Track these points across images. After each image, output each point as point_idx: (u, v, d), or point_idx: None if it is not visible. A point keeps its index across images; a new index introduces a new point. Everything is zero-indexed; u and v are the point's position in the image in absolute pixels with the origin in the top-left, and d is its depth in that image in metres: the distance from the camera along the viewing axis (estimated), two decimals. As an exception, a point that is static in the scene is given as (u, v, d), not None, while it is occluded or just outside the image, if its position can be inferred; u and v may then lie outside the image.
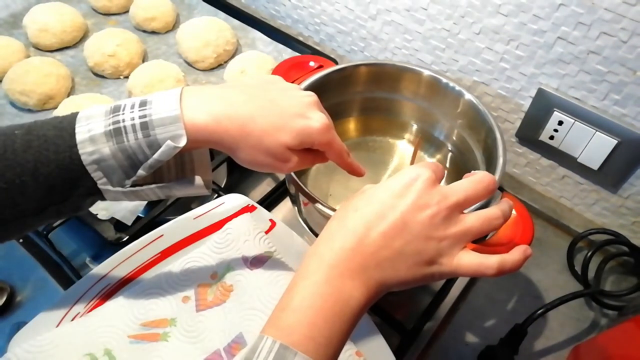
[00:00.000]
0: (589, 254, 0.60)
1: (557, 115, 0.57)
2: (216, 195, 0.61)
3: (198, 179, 0.39)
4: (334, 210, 0.46)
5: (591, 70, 0.52)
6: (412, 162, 0.61)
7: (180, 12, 0.83)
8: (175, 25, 0.81)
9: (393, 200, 0.34)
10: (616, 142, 0.54)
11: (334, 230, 0.35)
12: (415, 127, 0.64)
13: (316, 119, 0.39)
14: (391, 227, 0.33)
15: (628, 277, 0.62)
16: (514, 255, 0.36)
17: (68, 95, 0.69)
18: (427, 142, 0.64)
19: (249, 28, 0.79)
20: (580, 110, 0.55)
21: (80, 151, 0.34)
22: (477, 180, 0.36)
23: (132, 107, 0.35)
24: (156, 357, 0.44)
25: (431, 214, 0.33)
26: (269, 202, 0.66)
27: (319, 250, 0.34)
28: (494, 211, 0.36)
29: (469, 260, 0.34)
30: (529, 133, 0.62)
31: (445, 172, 0.38)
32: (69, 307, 0.46)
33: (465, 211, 0.35)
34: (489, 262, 0.34)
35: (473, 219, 0.35)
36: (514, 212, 0.48)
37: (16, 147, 0.34)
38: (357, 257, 0.33)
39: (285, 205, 0.67)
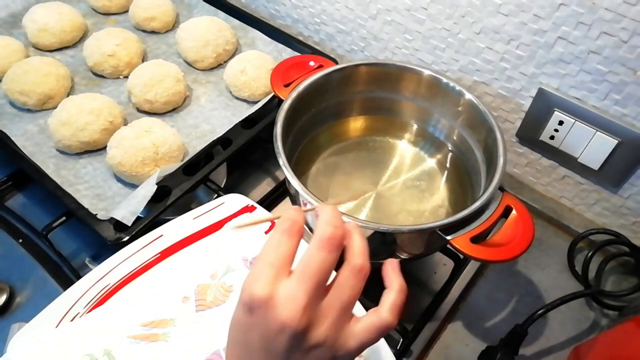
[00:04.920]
0: (590, 254, 0.60)
1: (557, 115, 0.57)
2: (216, 195, 0.61)
3: None
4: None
5: (592, 70, 0.52)
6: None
7: (179, 12, 0.82)
8: (174, 25, 0.81)
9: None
10: (617, 142, 0.54)
11: None
12: (415, 127, 0.64)
13: None
14: None
15: (628, 277, 0.62)
16: (388, 296, 0.31)
17: (67, 95, 0.69)
18: (427, 141, 0.64)
19: (249, 27, 0.79)
20: (581, 110, 0.55)
21: None
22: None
23: None
24: (156, 357, 0.43)
25: None
26: (269, 202, 0.66)
27: None
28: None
29: (361, 334, 0.30)
30: (530, 133, 0.61)
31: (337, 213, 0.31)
32: (68, 307, 0.46)
33: None
34: (382, 315, 0.30)
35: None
36: (514, 211, 0.48)
37: None
38: None
39: (285, 205, 0.67)
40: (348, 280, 0.29)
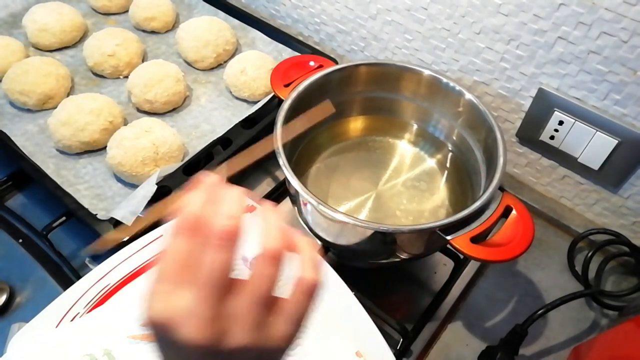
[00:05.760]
0: (590, 254, 0.60)
1: (557, 115, 0.57)
2: (216, 195, 0.61)
3: None
4: (333, 210, 0.46)
5: (592, 70, 0.52)
6: None
7: (179, 12, 0.83)
8: (174, 25, 0.81)
9: None
10: (617, 142, 0.54)
11: None
12: (415, 127, 0.64)
13: None
14: None
15: (628, 277, 0.62)
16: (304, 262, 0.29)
17: (67, 95, 0.69)
18: (427, 141, 0.64)
19: (249, 28, 0.79)
20: (581, 110, 0.55)
21: None
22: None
23: None
24: (156, 357, 0.43)
25: None
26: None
27: None
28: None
29: (289, 309, 0.27)
30: (530, 133, 0.61)
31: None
32: (68, 307, 0.46)
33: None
34: (304, 276, 0.28)
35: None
36: (514, 212, 0.48)
37: None
38: None
39: (285, 205, 0.67)
40: (264, 270, 0.27)
